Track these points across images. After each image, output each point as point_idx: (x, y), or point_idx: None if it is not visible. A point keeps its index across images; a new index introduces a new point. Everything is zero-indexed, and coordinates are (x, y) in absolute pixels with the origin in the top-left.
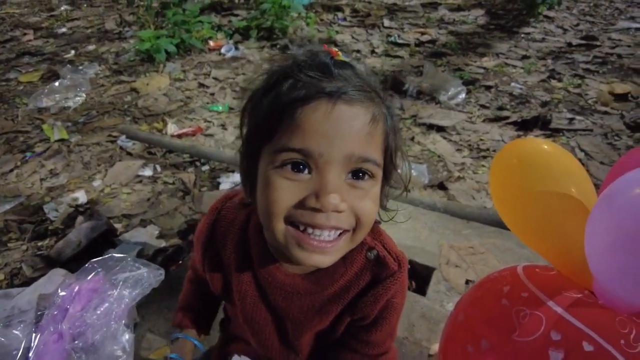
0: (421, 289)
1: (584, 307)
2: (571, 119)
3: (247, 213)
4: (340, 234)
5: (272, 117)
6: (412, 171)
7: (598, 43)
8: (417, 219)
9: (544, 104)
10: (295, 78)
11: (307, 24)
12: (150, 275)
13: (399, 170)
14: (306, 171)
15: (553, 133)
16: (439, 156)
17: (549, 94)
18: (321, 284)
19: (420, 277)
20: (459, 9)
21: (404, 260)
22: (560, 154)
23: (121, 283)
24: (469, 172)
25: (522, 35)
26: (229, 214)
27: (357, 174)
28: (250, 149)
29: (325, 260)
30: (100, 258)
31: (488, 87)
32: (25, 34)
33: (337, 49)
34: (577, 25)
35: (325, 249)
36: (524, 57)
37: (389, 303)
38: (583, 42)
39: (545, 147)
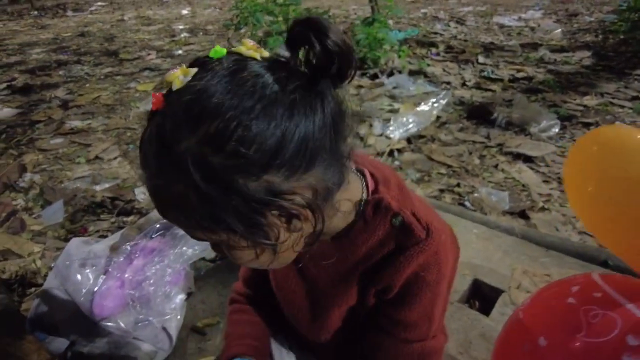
0: (486, 311)
1: None
2: None
3: None
4: None
5: None
6: (492, 197)
7: None
8: (491, 241)
9: None
10: None
11: (399, 56)
12: None
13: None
14: None
15: None
16: (523, 185)
17: None
18: (344, 250)
19: (487, 298)
20: (562, 49)
21: (437, 231)
22: None
23: (181, 242)
24: (555, 205)
25: (635, 77)
26: None
27: None
28: None
29: None
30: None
31: (587, 124)
32: (149, 54)
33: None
34: None
35: None
36: (635, 98)
37: (417, 277)
38: None
39: (631, 133)
